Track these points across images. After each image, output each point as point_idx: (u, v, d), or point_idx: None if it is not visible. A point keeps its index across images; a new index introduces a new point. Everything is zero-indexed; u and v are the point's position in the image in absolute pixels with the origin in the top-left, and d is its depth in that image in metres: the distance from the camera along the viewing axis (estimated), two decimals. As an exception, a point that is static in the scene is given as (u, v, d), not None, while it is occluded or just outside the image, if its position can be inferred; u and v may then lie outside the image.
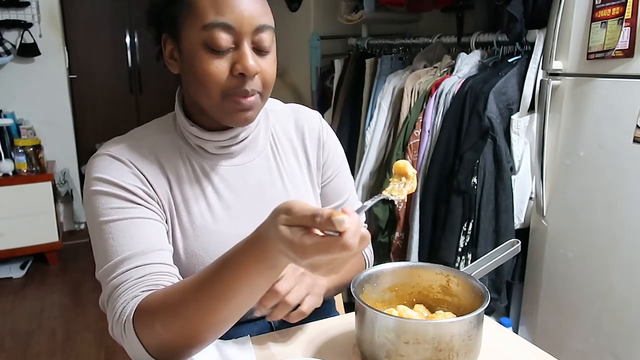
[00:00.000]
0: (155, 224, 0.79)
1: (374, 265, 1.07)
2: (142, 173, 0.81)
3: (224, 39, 0.74)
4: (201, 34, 0.74)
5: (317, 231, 0.53)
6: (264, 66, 0.78)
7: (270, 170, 0.92)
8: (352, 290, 0.75)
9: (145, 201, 0.80)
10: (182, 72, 0.82)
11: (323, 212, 0.52)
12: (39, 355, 2.24)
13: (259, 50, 0.77)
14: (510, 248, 0.87)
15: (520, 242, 0.87)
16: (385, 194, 0.74)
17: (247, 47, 0.75)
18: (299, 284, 0.80)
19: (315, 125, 0.99)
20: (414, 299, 0.87)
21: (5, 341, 2.34)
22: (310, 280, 0.82)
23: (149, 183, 0.81)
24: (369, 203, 0.67)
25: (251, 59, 0.75)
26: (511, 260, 1.65)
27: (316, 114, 1.02)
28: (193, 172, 0.86)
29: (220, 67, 0.75)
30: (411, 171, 0.75)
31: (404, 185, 0.74)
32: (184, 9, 0.76)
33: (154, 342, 0.68)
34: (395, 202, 0.76)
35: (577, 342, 1.53)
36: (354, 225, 0.52)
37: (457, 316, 0.77)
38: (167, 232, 0.83)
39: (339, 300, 1.19)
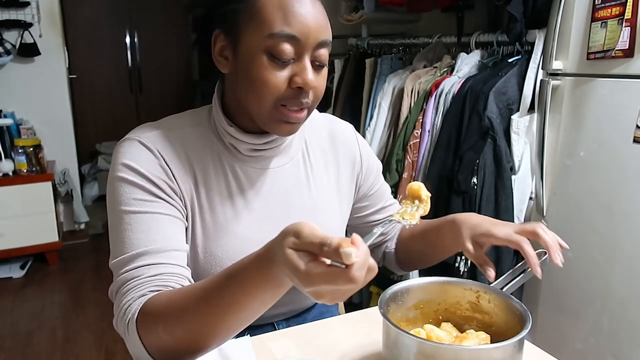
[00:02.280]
0: (175, 221, 0.79)
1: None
2: (169, 166, 0.80)
3: (289, 50, 0.73)
4: (265, 42, 0.73)
5: (325, 259, 0.52)
6: (319, 81, 0.77)
7: (298, 178, 0.92)
8: (380, 312, 0.71)
9: (169, 196, 0.79)
10: (232, 72, 0.80)
11: (331, 241, 0.50)
12: (39, 355, 2.24)
13: (316, 64, 0.76)
14: (538, 260, 0.80)
15: (548, 253, 0.80)
16: (397, 217, 0.71)
17: (307, 61, 0.74)
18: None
19: (350, 139, 1.00)
20: (440, 317, 0.82)
21: (5, 341, 2.34)
22: None
23: (175, 177, 0.80)
24: (379, 229, 0.65)
25: (311, 74, 0.74)
26: (511, 260, 1.65)
27: (350, 126, 1.03)
28: (222, 170, 0.85)
29: (279, 77, 0.74)
30: (425, 194, 0.73)
31: (416, 209, 0.72)
32: (246, 10, 0.74)
33: (155, 344, 0.68)
34: (407, 226, 0.74)
35: (577, 342, 1.53)
36: (362, 259, 0.50)
37: (490, 334, 0.74)
38: (187, 229, 0.82)
39: (339, 300, 1.19)
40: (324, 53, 0.76)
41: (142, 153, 0.79)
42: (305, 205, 0.91)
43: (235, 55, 0.77)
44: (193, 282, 0.78)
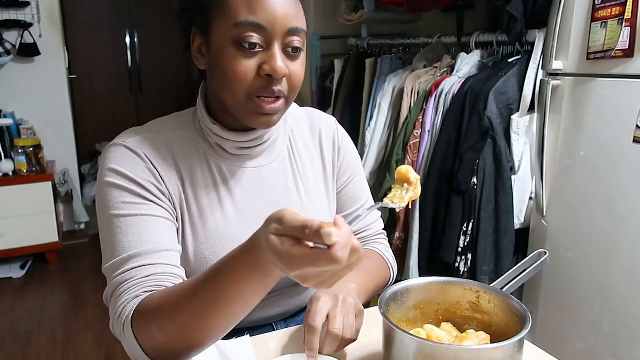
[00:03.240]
0: (165, 222, 0.79)
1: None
2: (156, 168, 0.80)
3: (255, 38, 0.73)
4: (232, 32, 0.73)
5: (308, 242, 0.52)
6: (293, 69, 0.77)
7: (285, 175, 0.92)
8: (380, 312, 0.71)
9: (158, 198, 0.79)
10: (208, 68, 0.81)
11: (312, 223, 0.50)
12: (39, 355, 2.24)
13: (289, 53, 0.76)
14: (538, 259, 0.81)
15: (548, 253, 0.81)
16: (386, 201, 0.70)
17: (277, 49, 0.74)
18: (334, 308, 0.75)
19: (331, 130, 0.99)
20: (440, 317, 0.82)
21: (5, 341, 2.34)
22: (347, 299, 0.78)
23: (163, 180, 0.80)
24: (365, 213, 0.64)
25: (280, 61, 0.74)
26: (511, 261, 1.65)
27: (332, 118, 1.02)
28: (209, 171, 0.85)
29: (248, 66, 0.74)
30: (414, 177, 0.72)
31: (406, 192, 0.71)
32: (215, 4, 0.75)
33: (150, 344, 0.68)
34: (396, 209, 0.72)
35: (577, 342, 1.53)
36: (343, 239, 0.50)
37: (490, 335, 0.74)
38: (178, 231, 0.82)
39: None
40: (296, 41, 0.76)
41: (129, 157, 0.79)
42: (293, 203, 0.91)
43: (209, 50, 0.78)
44: (185, 278, 0.78)
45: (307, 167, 0.95)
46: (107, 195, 0.77)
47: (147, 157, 0.80)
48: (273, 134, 0.89)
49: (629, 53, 1.31)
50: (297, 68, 0.78)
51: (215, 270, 0.63)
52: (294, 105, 0.99)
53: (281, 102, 0.78)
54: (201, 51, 0.81)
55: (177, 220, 0.82)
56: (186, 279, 0.77)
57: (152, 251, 0.74)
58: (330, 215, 0.98)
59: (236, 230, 0.85)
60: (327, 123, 1.00)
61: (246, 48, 0.73)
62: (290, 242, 0.52)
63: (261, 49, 0.74)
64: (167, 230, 0.79)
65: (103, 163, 0.80)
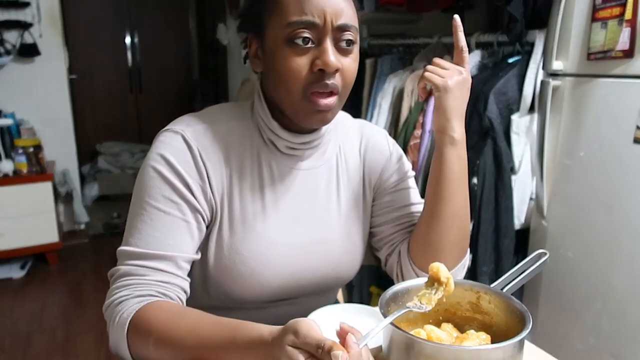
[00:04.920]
0: (193, 229, 0.80)
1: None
2: (205, 165, 0.81)
3: (306, 35, 0.75)
4: (284, 31, 0.75)
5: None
6: (345, 64, 0.78)
7: (329, 180, 0.92)
8: (381, 312, 0.72)
9: (196, 199, 0.80)
10: (264, 70, 0.83)
11: (325, 343, 0.55)
12: (39, 355, 2.24)
13: (341, 49, 0.78)
14: (538, 260, 0.81)
15: (548, 254, 0.82)
16: (416, 301, 0.71)
17: (328, 44, 0.76)
18: None
19: (382, 143, 0.99)
20: (440, 317, 0.82)
21: (5, 341, 2.34)
22: None
23: (208, 177, 0.81)
24: (374, 331, 0.63)
25: (332, 55, 0.76)
26: (511, 261, 1.65)
27: (383, 131, 1.02)
28: (258, 168, 0.86)
29: (301, 63, 0.76)
30: (444, 276, 0.71)
31: (434, 293, 0.71)
32: (269, 7, 0.77)
33: (140, 352, 0.71)
34: (421, 311, 0.72)
35: (577, 342, 1.53)
36: None
37: (490, 335, 0.75)
38: (214, 225, 0.83)
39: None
40: (347, 36, 0.78)
41: (182, 149, 0.80)
42: (331, 208, 0.91)
43: (264, 52, 0.81)
44: (188, 293, 0.80)
45: (350, 175, 0.95)
46: (150, 181, 0.78)
47: (199, 152, 0.81)
48: (324, 139, 0.90)
49: (629, 53, 1.31)
50: (350, 63, 0.79)
51: (229, 337, 0.65)
52: (347, 115, 1.00)
53: (335, 98, 0.79)
54: (257, 55, 0.83)
55: (214, 217, 0.83)
56: (188, 290, 0.79)
57: (172, 259, 0.76)
58: (363, 226, 0.96)
59: (271, 231, 0.85)
60: (378, 135, 0.99)
61: (299, 44, 0.75)
62: (305, 355, 0.56)
63: (313, 45, 0.76)
64: (192, 238, 0.80)
65: (156, 146, 0.81)
